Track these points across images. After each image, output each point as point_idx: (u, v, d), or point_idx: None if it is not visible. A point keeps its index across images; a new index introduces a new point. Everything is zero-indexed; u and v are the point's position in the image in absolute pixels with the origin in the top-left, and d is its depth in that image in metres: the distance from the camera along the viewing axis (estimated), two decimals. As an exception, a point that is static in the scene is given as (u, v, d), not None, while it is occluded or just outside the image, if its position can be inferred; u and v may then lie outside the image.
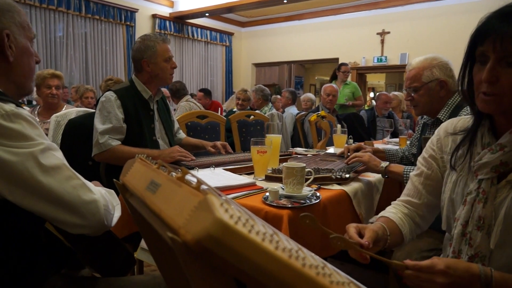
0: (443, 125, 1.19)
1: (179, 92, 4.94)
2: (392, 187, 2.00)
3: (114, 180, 0.76)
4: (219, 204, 0.43)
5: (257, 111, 4.21)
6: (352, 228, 0.99)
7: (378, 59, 8.91)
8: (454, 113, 1.77)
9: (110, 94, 2.08)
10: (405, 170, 1.65)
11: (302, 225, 0.86)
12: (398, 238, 1.13)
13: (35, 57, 1.06)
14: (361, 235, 0.98)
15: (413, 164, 1.96)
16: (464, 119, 1.13)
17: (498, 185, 0.96)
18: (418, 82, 1.83)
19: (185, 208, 0.46)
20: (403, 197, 1.24)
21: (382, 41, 8.87)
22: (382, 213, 1.21)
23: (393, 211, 1.19)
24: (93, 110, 2.33)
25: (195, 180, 0.51)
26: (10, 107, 0.84)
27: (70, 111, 2.46)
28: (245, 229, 0.42)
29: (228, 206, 0.43)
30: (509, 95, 0.91)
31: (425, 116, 2.03)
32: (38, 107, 3.40)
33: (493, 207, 0.95)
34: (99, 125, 2.03)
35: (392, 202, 1.26)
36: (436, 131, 1.20)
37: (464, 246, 0.99)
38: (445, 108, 1.82)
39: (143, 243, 1.43)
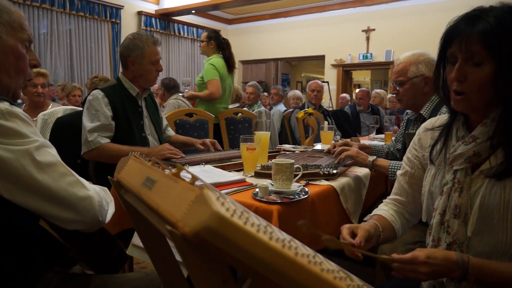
0: (422, 125, 1.25)
1: (174, 88, 4.90)
2: (378, 182, 2.05)
3: (109, 177, 0.78)
4: (215, 198, 0.45)
5: (244, 109, 4.24)
6: (345, 229, 1.05)
7: (363, 56, 9.00)
8: (436, 109, 1.82)
9: (98, 93, 2.08)
10: (390, 165, 1.71)
11: (300, 230, 0.89)
12: (391, 233, 1.20)
13: (33, 60, 1.06)
14: (354, 234, 1.04)
15: (398, 159, 2.02)
16: (442, 118, 1.18)
17: (472, 175, 1.02)
18: (404, 76, 1.88)
19: (183, 202, 0.48)
20: (392, 196, 1.31)
21: (368, 38, 8.96)
22: (375, 211, 1.28)
23: (385, 209, 1.27)
24: (81, 108, 2.32)
25: (189, 176, 0.53)
26: (4, 105, 0.85)
27: (57, 110, 2.45)
28: (241, 221, 0.44)
29: (224, 200, 0.46)
30: (477, 93, 0.97)
31: (409, 113, 2.08)
32: (24, 106, 3.37)
33: (468, 196, 1.01)
34: (87, 123, 2.03)
35: (384, 200, 1.32)
36: (417, 131, 1.26)
37: (443, 234, 1.04)
38: (428, 103, 1.86)
39: (134, 240, 1.44)
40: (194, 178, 0.52)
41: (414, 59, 1.87)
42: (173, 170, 0.57)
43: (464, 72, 0.97)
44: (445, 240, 1.03)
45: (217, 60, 3.57)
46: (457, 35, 0.98)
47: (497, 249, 0.97)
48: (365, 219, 1.26)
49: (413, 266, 0.91)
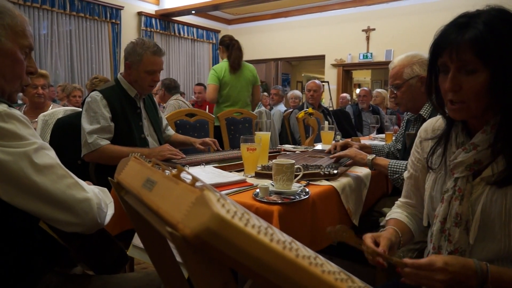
0: (423, 126, 1.23)
1: (175, 88, 4.91)
2: (379, 182, 2.04)
3: (109, 178, 0.77)
4: (216, 199, 0.45)
5: (245, 109, 4.23)
6: (368, 238, 1.02)
7: (363, 55, 8.99)
8: (435, 110, 1.82)
9: (96, 94, 2.07)
10: (390, 164, 1.71)
11: (337, 238, 0.89)
12: (409, 236, 1.19)
13: (30, 67, 1.05)
14: (377, 243, 1.02)
15: (398, 159, 2.01)
16: (442, 119, 1.16)
17: (473, 182, 1.00)
18: (400, 79, 1.88)
19: (183, 204, 0.48)
20: (402, 198, 1.31)
21: (368, 38, 8.95)
22: (390, 214, 1.27)
23: (399, 211, 1.26)
24: (81, 109, 2.32)
25: (189, 177, 0.53)
26: (2, 107, 0.85)
27: (57, 110, 2.44)
28: (241, 222, 0.44)
29: (224, 201, 0.46)
30: (474, 101, 0.94)
31: (409, 113, 2.08)
32: (24, 106, 3.37)
33: (469, 204, 0.99)
34: (86, 126, 2.02)
35: (396, 203, 1.32)
36: (418, 133, 1.25)
37: (444, 242, 1.02)
38: (427, 104, 1.87)
39: (135, 241, 1.44)
40: (195, 179, 0.51)
41: (407, 61, 1.88)
42: (174, 171, 0.57)
43: (458, 82, 0.95)
44: (446, 248, 1.02)
45: (220, 64, 3.72)
46: (447, 44, 0.95)
47: (499, 256, 0.96)
48: (381, 223, 1.24)
49: (429, 272, 0.87)
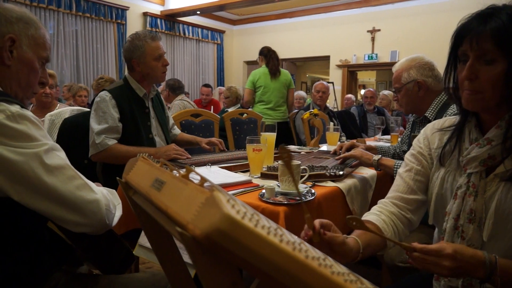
0: (429, 125, 1.22)
1: (180, 89, 4.94)
2: (385, 183, 2.04)
3: (117, 178, 0.78)
4: (226, 200, 0.45)
5: (250, 109, 4.25)
6: (318, 222, 0.95)
7: (368, 56, 8.96)
8: (441, 111, 1.81)
9: (105, 94, 2.07)
10: (396, 164, 1.70)
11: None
12: (378, 245, 1.06)
13: (43, 78, 1.09)
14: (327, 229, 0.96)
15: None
16: (450, 120, 1.16)
17: (487, 179, 1.00)
18: (398, 83, 1.90)
19: (193, 204, 0.48)
20: (392, 193, 1.20)
21: (373, 39, 8.93)
22: (365, 215, 1.17)
23: (377, 213, 1.15)
24: (88, 109, 2.33)
25: (198, 178, 0.53)
26: (15, 108, 0.86)
27: (64, 110, 2.46)
28: (251, 223, 0.44)
29: (234, 202, 0.46)
30: (489, 91, 0.94)
31: (414, 114, 2.08)
32: (31, 106, 3.39)
33: (483, 200, 0.99)
34: (95, 126, 2.03)
35: (379, 201, 1.22)
36: (422, 131, 1.23)
37: (457, 239, 1.02)
38: (432, 106, 1.86)
39: (141, 241, 1.45)
40: (203, 179, 0.52)
41: (406, 65, 1.88)
42: (182, 172, 0.57)
43: (475, 70, 0.95)
44: None
45: (256, 71, 4.36)
46: (468, 32, 0.96)
47: (510, 253, 0.95)
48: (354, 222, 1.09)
49: (437, 258, 0.86)
